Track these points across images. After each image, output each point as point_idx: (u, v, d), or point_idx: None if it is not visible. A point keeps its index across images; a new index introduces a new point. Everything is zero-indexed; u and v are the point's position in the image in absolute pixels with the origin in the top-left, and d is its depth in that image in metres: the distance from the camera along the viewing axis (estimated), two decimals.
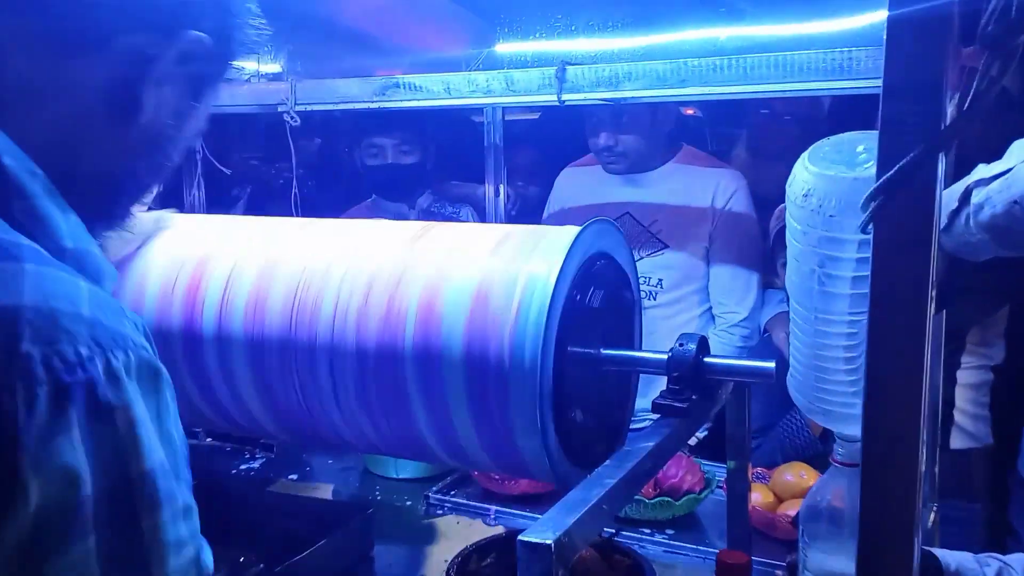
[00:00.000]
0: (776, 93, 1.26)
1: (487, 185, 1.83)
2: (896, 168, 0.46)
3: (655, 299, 1.91)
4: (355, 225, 1.19)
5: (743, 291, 1.89)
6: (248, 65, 2.07)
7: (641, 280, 1.89)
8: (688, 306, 1.91)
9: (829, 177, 0.86)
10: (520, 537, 0.64)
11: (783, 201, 2.08)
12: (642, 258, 1.90)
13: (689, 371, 0.95)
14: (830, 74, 1.17)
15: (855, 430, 0.88)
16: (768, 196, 1.99)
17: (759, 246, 1.92)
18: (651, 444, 0.85)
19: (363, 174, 2.23)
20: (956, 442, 1.78)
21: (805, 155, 0.92)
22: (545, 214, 2.09)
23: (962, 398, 1.79)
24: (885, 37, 0.45)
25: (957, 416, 1.80)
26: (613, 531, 1.26)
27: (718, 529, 1.39)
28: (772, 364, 0.96)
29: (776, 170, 2.03)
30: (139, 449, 0.48)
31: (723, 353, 1.87)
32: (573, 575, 1.13)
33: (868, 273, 0.48)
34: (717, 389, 1.00)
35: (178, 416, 0.54)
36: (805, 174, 0.89)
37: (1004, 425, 1.81)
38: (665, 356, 0.97)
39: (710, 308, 1.94)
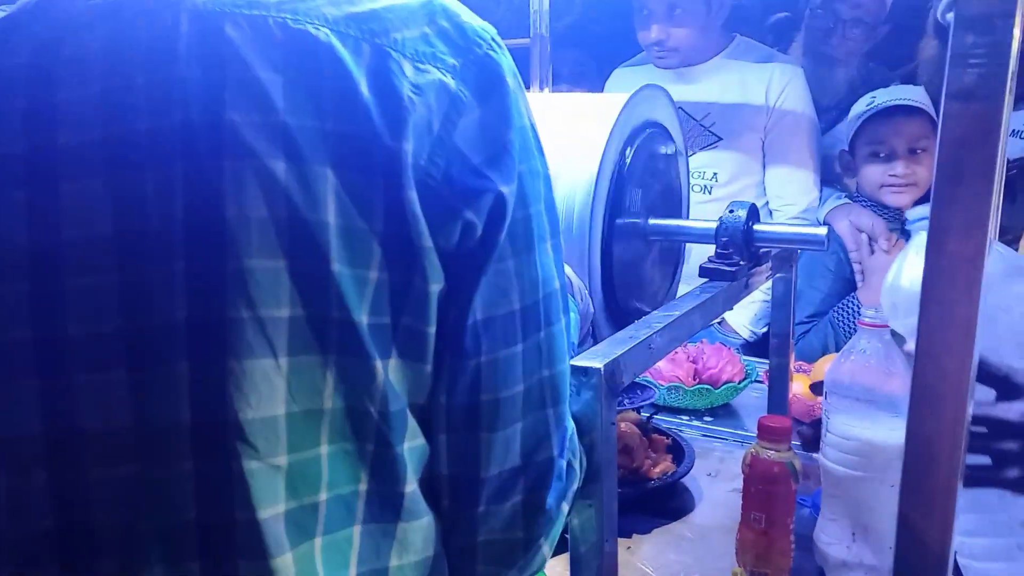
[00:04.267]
0: None
1: (532, 82, 1.79)
2: None
3: (710, 193, 1.88)
4: None
5: (800, 187, 1.85)
6: None
7: (696, 174, 1.87)
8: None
9: None
10: (572, 362, 0.65)
11: (839, 106, 2.03)
12: (695, 152, 1.86)
13: (739, 238, 0.94)
14: None
15: None
16: (823, 100, 1.94)
17: (816, 141, 1.87)
18: (698, 300, 0.85)
19: None
20: None
21: None
22: None
23: None
24: None
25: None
26: (652, 412, 1.27)
27: (756, 419, 1.39)
28: (824, 229, 0.94)
29: (834, 74, 1.99)
30: None
31: None
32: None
33: None
34: (767, 257, 0.99)
35: None
36: None
37: None
38: (714, 225, 0.96)
39: (767, 204, 1.90)
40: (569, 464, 0.59)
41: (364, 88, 0.47)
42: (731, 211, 0.96)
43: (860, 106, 1.74)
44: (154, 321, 0.46)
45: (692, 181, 1.87)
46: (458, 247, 0.50)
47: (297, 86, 0.46)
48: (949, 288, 0.46)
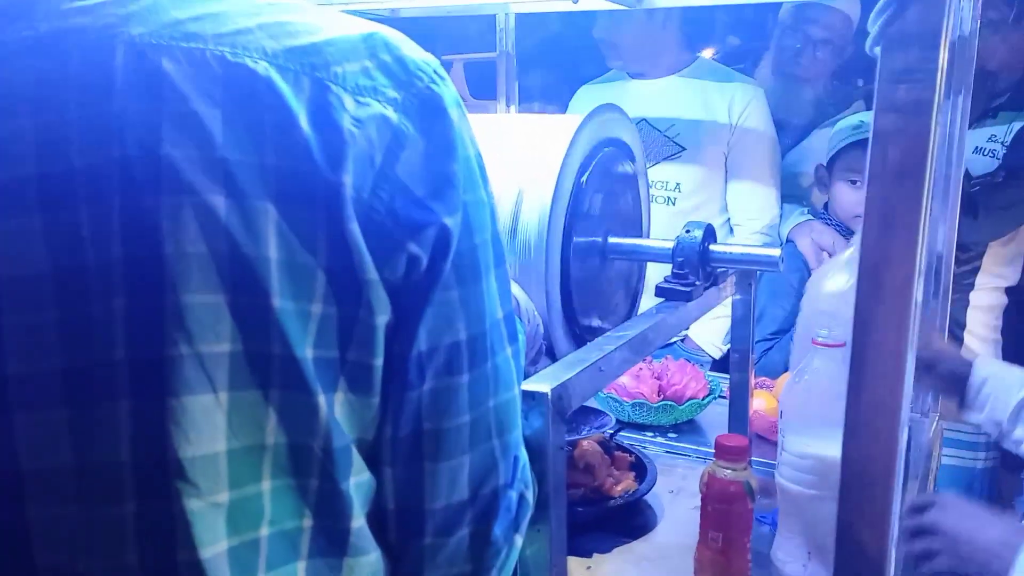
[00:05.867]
0: None
1: (499, 99, 1.80)
2: None
3: (674, 204, 1.89)
4: None
5: (762, 203, 1.87)
6: None
7: (659, 185, 1.88)
8: (708, 214, 1.89)
9: None
10: (521, 387, 0.65)
11: (805, 124, 2.05)
12: (659, 162, 1.88)
13: (694, 258, 0.95)
14: None
15: None
16: (789, 118, 1.97)
17: (776, 160, 1.89)
18: (651, 321, 0.85)
19: None
20: None
21: None
22: None
23: (974, 320, 1.78)
24: None
25: (968, 338, 1.79)
26: (614, 430, 1.27)
27: (718, 434, 1.40)
28: (777, 251, 0.95)
29: (801, 92, 2.01)
30: None
31: None
32: (575, 465, 1.14)
33: None
34: (723, 277, 1.00)
35: None
36: None
37: (1016, 350, 1.81)
38: (671, 244, 0.97)
39: (729, 220, 1.92)
40: (521, 495, 0.59)
41: (304, 122, 0.47)
42: (687, 231, 0.96)
43: (846, 127, 1.73)
44: (94, 359, 0.46)
45: (655, 192, 1.89)
46: (404, 279, 0.50)
47: (236, 120, 0.46)
48: (880, 317, 0.47)
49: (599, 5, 1.44)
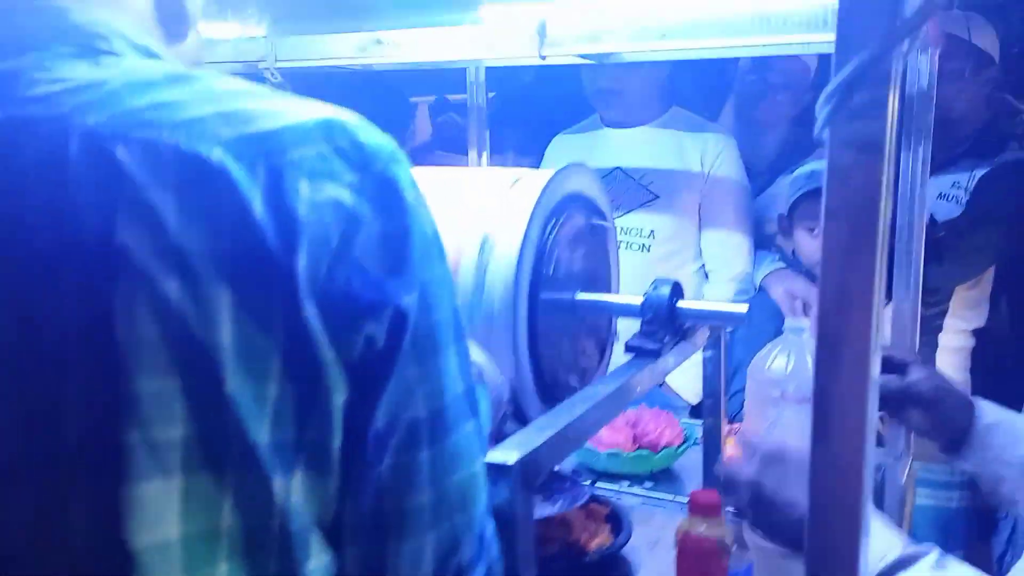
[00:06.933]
0: (759, 49, 1.25)
1: (470, 150, 1.82)
2: (851, 65, 0.46)
3: (649, 251, 1.90)
4: None
5: (735, 251, 1.90)
6: (230, 30, 2.05)
7: (633, 232, 1.90)
8: (683, 260, 1.91)
9: None
10: (486, 457, 0.64)
11: (770, 170, 2.08)
12: (633, 210, 1.90)
13: (662, 315, 0.95)
14: (815, 27, 1.16)
15: None
16: (754, 164, 2.00)
17: (749, 208, 1.92)
18: (621, 380, 0.86)
19: None
20: None
21: None
22: None
23: (943, 363, 1.80)
24: None
25: None
26: (590, 481, 1.27)
27: (697, 482, 1.40)
28: (744, 307, 0.96)
29: (764, 138, 2.05)
30: None
31: None
32: (549, 521, 1.13)
33: None
34: (692, 333, 1.01)
35: None
36: None
37: (984, 392, 1.82)
38: (639, 300, 0.98)
39: (703, 266, 1.94)
40: (489, 570, 0.58)
41: (258, 207, 0.47)
42: (655, 288, 0.97)
43: (800, 176, 1.76)
44: (47, 444, 0.46)
45: (630, 239, 1.91)
46: (361, 357, 0.50)
47: (190, 207, 0.46)
48: (837, 390, 0.48)
49: (566, 60, 1.46)
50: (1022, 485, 0.95)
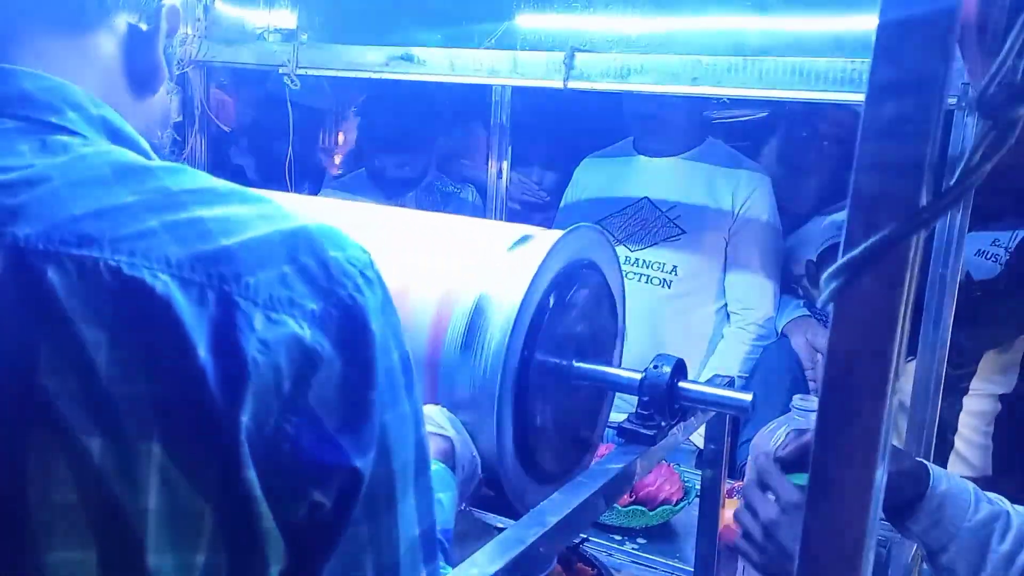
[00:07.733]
0: (790, 99, 1.19)
1: (490, 164, 1.77)
2: (863, 246, 0.40)
3: (669, 287, 1.85)
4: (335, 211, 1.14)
5: (760, 294, 1.83)
6: (259, 18, 2.01)
7: (655, 267, 1.85)
8: (703, 300, 1.85)
9: None
10: None
11: (808, 214, 2.01)
12: (657, 243, 1.84)
13: (661, 395, 0.90)
14: (847, 85, 1.09)
15: None
16: (791, 204, 1.93)
17: (778, 250, 1.85)
18: (610, 474, 0.81)
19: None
20: (954, 469, 1.73)
21: None
22: (563, 203, 2.04)
23: (966, 425, 1.73)
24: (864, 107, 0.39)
25: (958, 443, 1.74)
26: (581, 538, 1.23)
27: (693, 542, 1.35)
28: (749, 397, 0.91)
29: (805, 181, 1.97)
30: None
31: (736, 352, 1.82)
32: None
33: None
34: (691, 415, 0.95)
35: None
36: None
37: (1006, 457, 1.75)
38: (639, 376, 0.93)
39: (725, 306, 1.87)
40: None
41: (202, 348, 0.42)
42: (655, 366, 0.92)
43: (830, 225, 1.69)
44: None
45: (651, 273, 1.85)
46: (305, 524, 0.46)
47: (125, 345, 0.42)
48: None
49: (587, 86, 1.40)
50: (963, 555, 0.93)
